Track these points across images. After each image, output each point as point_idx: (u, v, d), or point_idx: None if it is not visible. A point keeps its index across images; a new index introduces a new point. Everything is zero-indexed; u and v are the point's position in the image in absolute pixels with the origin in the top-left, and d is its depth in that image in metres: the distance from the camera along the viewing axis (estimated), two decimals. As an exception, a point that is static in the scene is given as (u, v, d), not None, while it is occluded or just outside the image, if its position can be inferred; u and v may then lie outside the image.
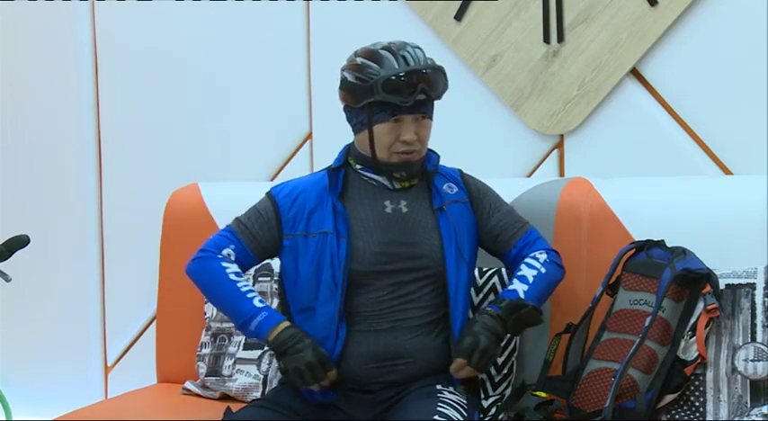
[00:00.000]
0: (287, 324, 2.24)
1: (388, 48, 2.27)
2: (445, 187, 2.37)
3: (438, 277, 2.29)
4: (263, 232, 2.36)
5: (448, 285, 2.29)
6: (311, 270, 2.29)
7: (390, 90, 2.21)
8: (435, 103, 2.32)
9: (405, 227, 2.31)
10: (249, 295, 2.28)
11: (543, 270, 2.32)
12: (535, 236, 2.40)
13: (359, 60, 2.27)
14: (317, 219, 2.32)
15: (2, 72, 3.68)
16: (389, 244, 2.29)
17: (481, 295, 2.54)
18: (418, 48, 2.29)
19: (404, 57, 2.24)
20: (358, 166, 2.36)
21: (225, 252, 2.34)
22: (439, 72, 2.27)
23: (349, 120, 2.34)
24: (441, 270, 2.29)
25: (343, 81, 2.30)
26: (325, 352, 2.21)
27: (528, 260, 2.34)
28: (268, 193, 2.41)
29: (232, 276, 2.30)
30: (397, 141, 2.27)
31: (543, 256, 2.35)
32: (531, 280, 2.29)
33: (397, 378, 2.27)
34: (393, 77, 2.21)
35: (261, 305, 2.26)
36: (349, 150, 2.39)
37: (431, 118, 2.32)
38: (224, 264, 2.32)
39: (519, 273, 2.31)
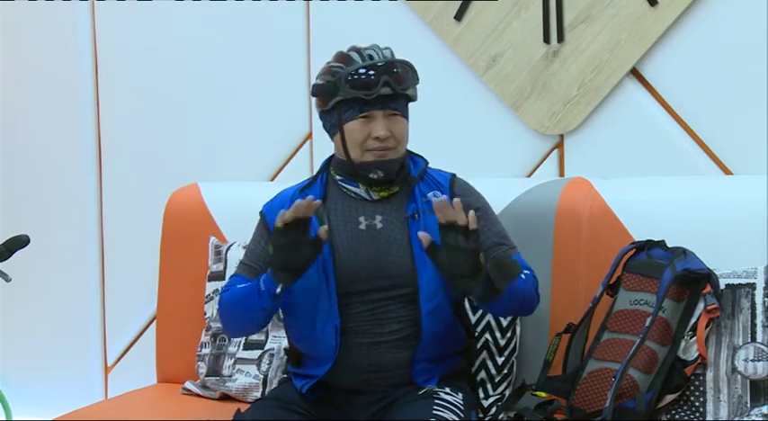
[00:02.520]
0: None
1: (354, 48, 2.29)
2: (429, 195, 2.29)
3: (412, 294, 2.26)
4: (265, 260, 2.33)
5: (420, 301, 2.25)
6: (297, 283, 2.25)
7: (354, 85, 2.22)
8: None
9: (377, 246, 2.28)
10: (250, 284, 2.26)
11: (523, 276, 2.22)
12: (519, 260, 2.28)
13: (328, 64, 2.30)
14: None
15: (2, 72, 3.68)
16: (361, 264, 2.27)
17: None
18: (387, 48, 2.29)
19: (369, 55, 2.26)
20: (338, 177, 2.34)
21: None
22: (404, 66, 2.27)
23: (324, 126, 2.34)
24: (414, 288, 2.26)
25: (314, 87, 2.32)
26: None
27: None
28: (260, 213, 2.41)
29: (239, 286, 2.30)
30: (369, 138, 2.25)
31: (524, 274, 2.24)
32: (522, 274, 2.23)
33: (383, 388, 2.27)
34: (354, 72, 2.22)
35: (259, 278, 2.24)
36: (330, 161, 2.39)
37: (405, 116, 2.30)
38: (231, 289, 2.32)
39: None
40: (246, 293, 2.26)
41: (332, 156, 2.39)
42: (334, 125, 2.29)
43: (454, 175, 2.39)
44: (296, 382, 2.34)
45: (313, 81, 2.34)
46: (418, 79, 2.31)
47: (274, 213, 2.35)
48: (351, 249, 2.28)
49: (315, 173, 2.41)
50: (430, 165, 2.39)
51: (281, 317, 2.64)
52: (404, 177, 2.33)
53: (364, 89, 2.21)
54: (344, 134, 2.26)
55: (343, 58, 2.28)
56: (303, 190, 2.37)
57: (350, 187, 2.33)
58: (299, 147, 3.25)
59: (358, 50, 2.28)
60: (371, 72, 2.22)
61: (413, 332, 2.26)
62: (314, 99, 2.34)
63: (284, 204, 2.36)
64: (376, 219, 2.30)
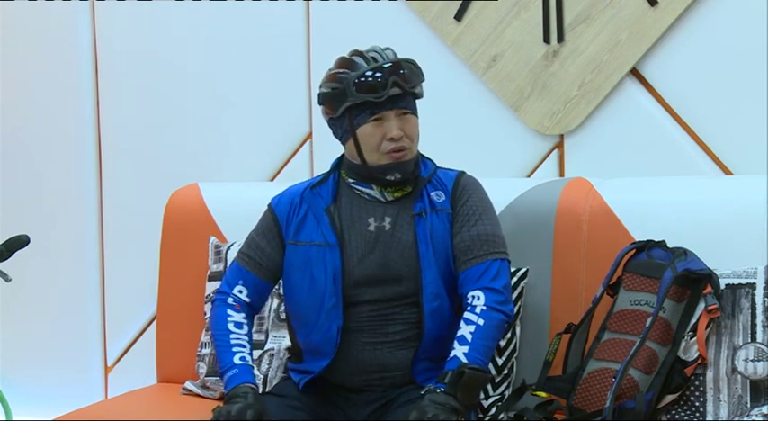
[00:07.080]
0: (249, 385, 2.20)
1: (356, 52, 2.29)
2: (433, 195, 2.32)
3: (416, 295, 2.26)
4: (268, 254, 2.34)
5: (422, 302, 2.25)
6: (302, 281, 2.28)
7: (362, 89, 2.21)
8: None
9: (385, 248, 2.27)
10: (234, 349, 2.27)
11: (481, 322, 2.18)
12: (485, 270, 2.24)
13: (332, 71, 2.29)
14: (307, 228, 2.32)
15: (2, 72, 3.68)
16: (368, 267, 2.26)
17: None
18: (389, 49, 2.29)
19: (373, 57, 2.26)
20: (350, 180, 2.34)
21: (237, 290, 2.35)
22: (410, 64, 2.27)
23: (335, 133, 2.33)
24: (418, 289, 2.26)
25: (320, 96, 2.31)
26: (257, 413, 2.12)
27: (466, 315, 2.20)
28: (268, 205, 2.41)
29: (230, 326, 2.31)
30: (384, 140, 2.25)
31: (480, 303, 2.20)
32: (469, 338, 2.16)
33: (383, 388, 2.27)
34: (362, 76, 2.22)
35: (239, 362, 2.25)
36: (342, 161, 2.38)
37: (415, 114, 2.30)
38: (228, 312, 2.33)
39: (458, 333, 2.20)
40: (221, 348, 2.30)
41: (342, 156, 2.38)
42: (346, 131, 2.28)
43: (461, 173, 2.38)
44: (294, 377, 2.34)
45: (313, 82, 2.34)
46: (423, 76, 2.31)
47: (283, 207, 2.37)
48: (359, 252, 2.28)
49: (326, 171, 2.39)
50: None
51: (283, 316, 2.64)
52: (416, 177, 2.33)
53: (373, 92, 2.21)
54: (358, 139, 2.26)
55: (346, 63, 2.27)
56: (314, 187, 2.36)
57: (363, 189, 2.32)
58: (299, 147, 3.25)
59: (360, 54, 2.27)
60: (379, 74, 2.22)
61: (415, 333, 2.26)
62: (321, 107, 2.32)
63: (293, 199, 2.37)
64: (385, 221, 2.30)
